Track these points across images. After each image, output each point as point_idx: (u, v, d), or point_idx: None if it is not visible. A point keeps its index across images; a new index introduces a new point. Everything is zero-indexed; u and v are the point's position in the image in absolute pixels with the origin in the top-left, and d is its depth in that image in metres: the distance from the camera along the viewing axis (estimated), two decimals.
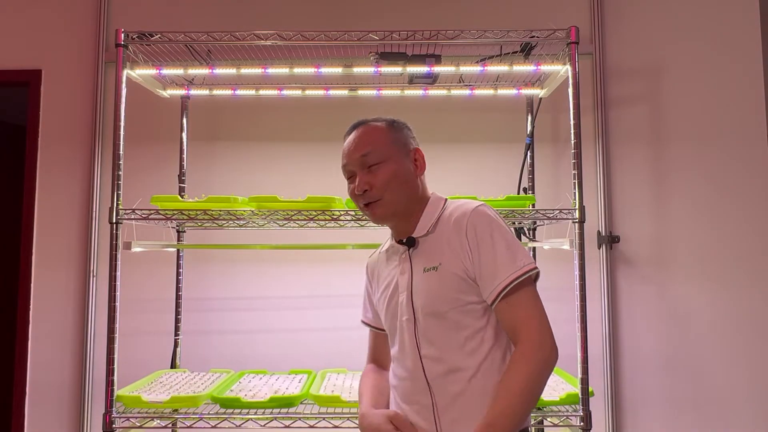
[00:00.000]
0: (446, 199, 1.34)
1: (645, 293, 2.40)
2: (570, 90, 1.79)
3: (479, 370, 1.19)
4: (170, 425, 1.91)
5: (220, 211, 1.81)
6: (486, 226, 1.21)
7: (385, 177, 1.27)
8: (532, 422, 1.65)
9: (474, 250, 1.20)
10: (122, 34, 1.83)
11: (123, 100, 1.83)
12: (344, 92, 2.28)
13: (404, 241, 1.29)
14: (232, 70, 2.00)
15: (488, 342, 1.21)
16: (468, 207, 1.25)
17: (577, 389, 1.72)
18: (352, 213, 1.81)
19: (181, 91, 2.25)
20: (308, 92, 2.27)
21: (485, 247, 1.20)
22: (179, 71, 2.02)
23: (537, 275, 1.21)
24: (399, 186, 1.28)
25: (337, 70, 1.98)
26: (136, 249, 1.91)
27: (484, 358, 1.20)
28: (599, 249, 2.41)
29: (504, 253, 1.18)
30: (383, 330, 1.41)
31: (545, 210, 1.83)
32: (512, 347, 1.20)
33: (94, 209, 2.43)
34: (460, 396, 1.19)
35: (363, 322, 1.51)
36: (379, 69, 1.96)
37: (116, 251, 1.78)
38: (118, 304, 1.78)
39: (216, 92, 2.24)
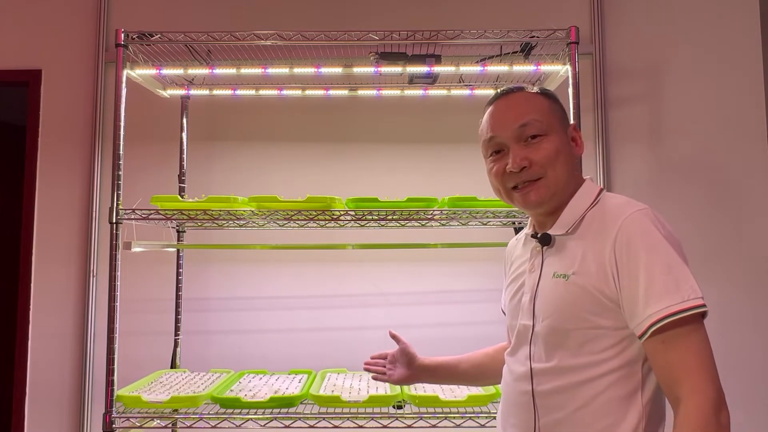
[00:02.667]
0: (602, 190, 1.11)
1: None
2: (570, 90, 1.79)
3: (589, 405, 1.00)
4: (170, 425, 1.91)
5: (220, 211, 1.81)
6: (643, 238, 0.97)
7: (549, 152, 1.07)
8: None
9: (622, 268, 0.97)
10: (122, 34, 1.83)
11: (123, 100, 1.83)
12: (344, 92, 2.28)
13: (538, 236, 1.11)
14: (232, 70, 2.00)
15: (612, 376, 1.00)
16: (624, 211, 1.01)
17: None
18: (352, 213, 1.81)
19: (181, 91, 2.25)
20: (308, 92, 2.27)
21: (638, 266, 0.95)
22: (179, 71, 2.02)
23: (705, 314, 0.95)
24: (563, 165, 1.08)
25: (337, 70, 1.98)
26: (136, 249, 1.91)
27: (599, 393, 1.00)
28: None
29: (663, 277, 0.94)
30: None
31: None
32: (644, 393, 1.00)
33: (94, 209, 2.43)
34: (560, 425, 1.03)
35: (502, 310, 1.33)
36: (379, 69, 1.96)
37: (116, 251, 1.78)
38: (118, 304, 1.78)
39: (216, 92, 2.24)
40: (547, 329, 1.05)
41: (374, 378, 1.54)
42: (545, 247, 1.10)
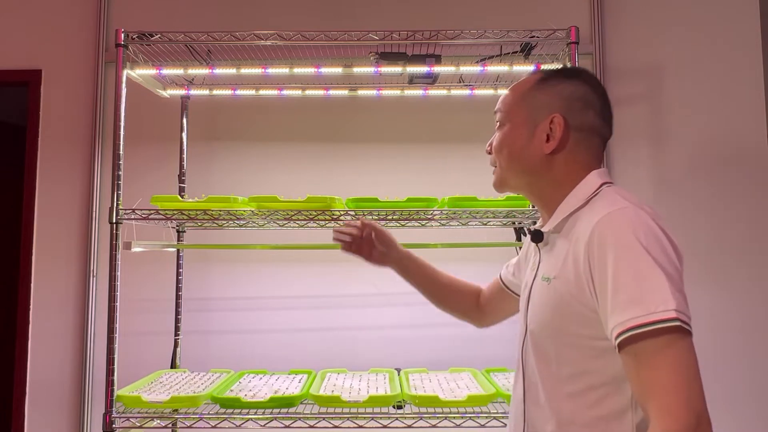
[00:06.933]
0: (601, 186, 1.00)
1: None
2: None
3: (574, 422, 0.94)
4: (170, 425, 1.91)
5: (220, 211, 1.81)
6: (613, 241, 0.87)
7: (497, 143, 1.09)
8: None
9: (595, 275, 0.89)
10: (122, 34, 1.83)
11: (123, 100, 1.83)
12: (344, 92, 2.28)
13: (532, 231, 1.07)
14: (232, 70, 2.00)
15: (597, 392, 0.92)
16: (601, 210, 0.93)
17: None
18: (352, 213, 1.81)
19: (181, 91, 2.25)
20: (308, 92, 2.27)
21: (606, 273, 0.87)
22: (179, 71, 2.02)
23: (682, 328, 0.81)
24: (507, 157, 1.07)
25: (337, 70, 1.98)
26: (136, 249, 1.91)
27: (583, 409, 0.93)
28: None
29: (628, 286, 0.84)
30: (507, 289, 1.31)
31: None
32: (636, 413, 0.91)
33: (94, 209, 2.43)
34: None
35: (501, 278, 1.35)
36: (379, 69, 1.96)
37: (116, 251, 1.78)
38: (118, 304, 1.78)
39: (216, 92, 2.24)
40: (531, 335, 1.02)
41: (342, 249, 1.46)
42: (540, 245, 1.06)
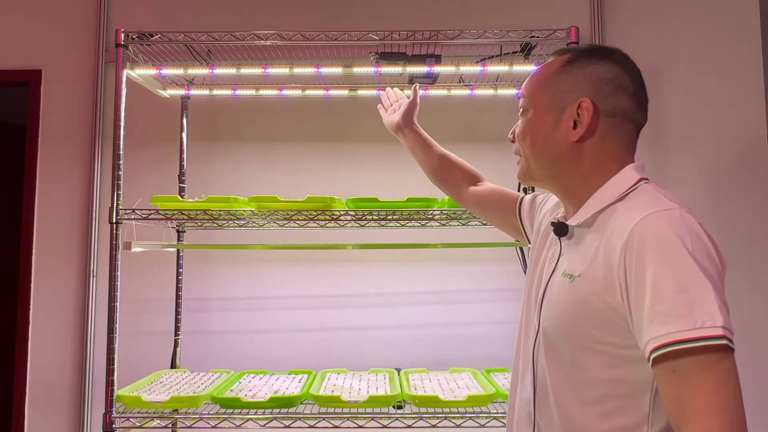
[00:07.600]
0: (638, 182, 0.92)
1: None
2: None
3: (590, 428, 0.88)
4: (170, 425, 1.91)
5: (220, 211, 1.81)
6: (655, 245, 0.80)
7: (519, 131, 1.03)
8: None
9: (630, 279, 0.81)
10: (122, 34, 1.83)
11: (123, 100, 1.83)
12: (344, 92, 2.28)
13: (555, 223, 0.99)
14: (232, 70, 2.00)
15: (616, 401, 0.86)
16: (643, 210, 0.84)
17: None
18: (352, 213, 1.81)
19: (181, 91, 2.25)
20: (308, 92, 2.27)
21: (644, 279, 0.79)
22: (179, 71, 2.02)
23: (728, 347, 0.76)
24: (531, 146, 1.00)
25: (337, 70, 1.98)
26: (136, 249, 1.91)
27: (595, 420, 0.87)
28: None
29: (672, 295, 0.77)
30: (518, 212, 1.27)
31: None
32: (651, 429, 0.85)
33: (94, 209, 2.43)
34: None
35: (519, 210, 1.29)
36: (379, 69, 1.96)
37: (116, 251, 1.78)
38: (118, 304, 1.78)
39: (216, 92, 2.24)
40: (545, 336, 0.95)
41: (379, 106, 1.70)
42: (563, 238, 0.98)
